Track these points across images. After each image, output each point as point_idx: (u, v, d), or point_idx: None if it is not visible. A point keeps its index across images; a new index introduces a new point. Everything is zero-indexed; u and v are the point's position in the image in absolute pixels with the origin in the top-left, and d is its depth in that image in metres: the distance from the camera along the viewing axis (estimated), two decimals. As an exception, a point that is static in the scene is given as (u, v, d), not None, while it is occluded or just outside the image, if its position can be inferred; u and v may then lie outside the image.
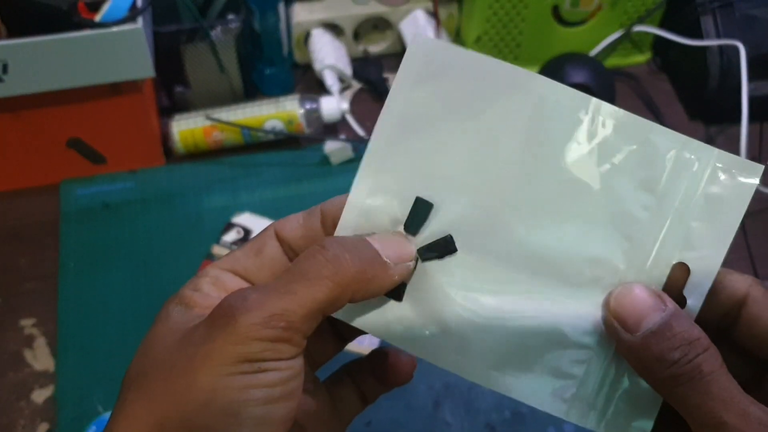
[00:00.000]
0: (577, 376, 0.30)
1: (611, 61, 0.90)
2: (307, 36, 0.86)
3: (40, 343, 0.64)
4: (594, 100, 0.30)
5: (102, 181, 0.75)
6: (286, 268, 0.28)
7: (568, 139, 0.30)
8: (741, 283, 0.29)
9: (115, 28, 0.64)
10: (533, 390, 0.30)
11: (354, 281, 0.27)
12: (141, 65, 0.66)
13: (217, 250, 0.66)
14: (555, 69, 0.79)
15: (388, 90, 0.31)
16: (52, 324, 0.65)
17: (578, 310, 0.29)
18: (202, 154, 0.78)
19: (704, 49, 0.82)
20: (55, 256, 0.69)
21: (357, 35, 0.89)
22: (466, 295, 0.30)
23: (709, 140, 0.83)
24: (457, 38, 0.91)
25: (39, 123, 0.70)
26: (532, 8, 0.83)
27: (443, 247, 0.30)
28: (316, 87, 0.85)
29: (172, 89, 0.80)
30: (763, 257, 0.71)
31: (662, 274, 0.29)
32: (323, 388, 0.34)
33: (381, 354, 0.35)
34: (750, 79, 0.77)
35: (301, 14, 0.85)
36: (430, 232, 0.30)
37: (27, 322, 0.65)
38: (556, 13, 0.85)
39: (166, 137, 0.77)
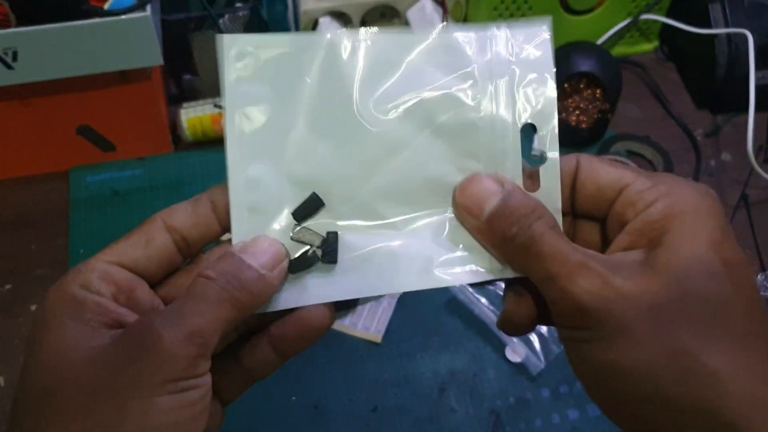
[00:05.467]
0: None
1: (618, 50, 0.90)
2: (314, 24, 0.86)
3: (51, 328, 0.65)
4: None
5: (111, 169, 0.76)
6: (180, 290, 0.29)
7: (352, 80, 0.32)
8: (570, 158, 0.32)
9: (123, 16, 0.64)
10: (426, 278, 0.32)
11: (246, 301, 0.29)
12: (149, 53, 0.67)
13: (224, 236, 0.67)
14: (561, 57, 0.79)
15: None
16: (62, 309, 0.65)
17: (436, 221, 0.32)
18: (210, 142, 0.79)
19: (712, 37, 0.81)
20: (64, 242, 0.70)
21: (364, 23, 0.89)
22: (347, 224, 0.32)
23: (716, 129, 0.83)
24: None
25: (48, 111, 0.71)
26: (540, -4, 0.83)
27: (312, 205, 0.32)
28: (323, 75, 0.85)
29: (180, 77, 0.81)
30: (768, 246, 0.72)
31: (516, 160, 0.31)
32: None
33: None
34: (758, 67, 0.77)
35: (308, 3, 0.85)
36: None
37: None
38: (564, 1, 0.84)
39: (174, 125, 0.78)
